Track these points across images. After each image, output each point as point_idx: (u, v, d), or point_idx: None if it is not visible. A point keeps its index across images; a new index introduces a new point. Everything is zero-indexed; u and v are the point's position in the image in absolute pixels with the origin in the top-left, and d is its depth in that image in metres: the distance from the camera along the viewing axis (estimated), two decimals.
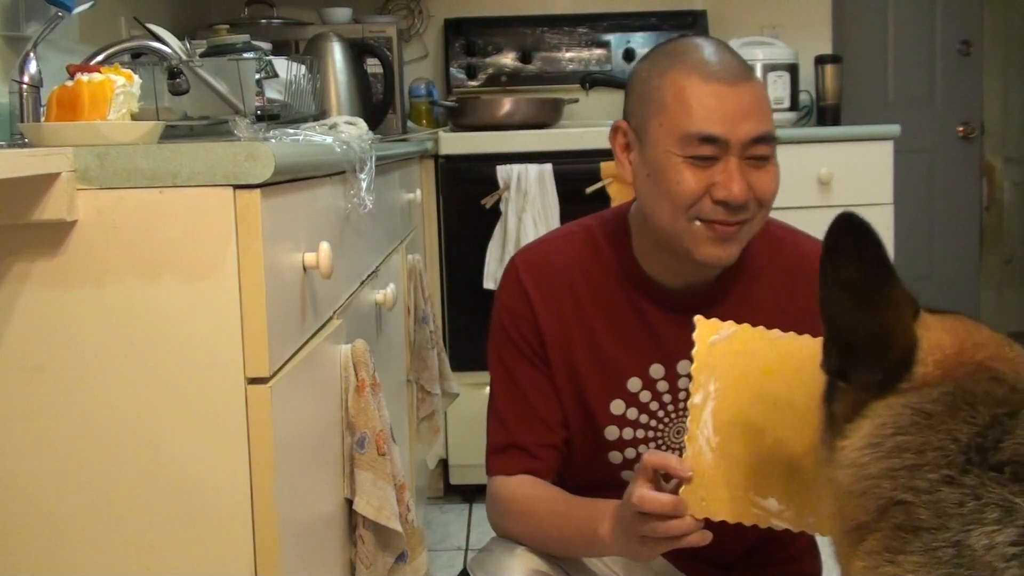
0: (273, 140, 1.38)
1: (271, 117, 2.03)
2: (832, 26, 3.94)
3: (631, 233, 1.48)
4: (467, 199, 3.06)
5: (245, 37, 2.14)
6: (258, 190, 1.08)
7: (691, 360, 1.29)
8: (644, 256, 1.46)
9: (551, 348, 1.48)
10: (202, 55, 1.94)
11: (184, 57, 1.80)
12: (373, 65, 3.06)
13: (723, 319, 1.29)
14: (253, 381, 1.10)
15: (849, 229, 0.89)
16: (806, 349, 1.21)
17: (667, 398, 1.48)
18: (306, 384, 1.30)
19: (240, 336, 1.09)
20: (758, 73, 3.43)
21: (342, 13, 3.33)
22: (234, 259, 1.08)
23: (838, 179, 3.18)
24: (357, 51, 3.00)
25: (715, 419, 1.23)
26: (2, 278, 1.08)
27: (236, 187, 1.08)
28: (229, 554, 1.10)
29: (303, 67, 2.26)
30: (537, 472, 1.48)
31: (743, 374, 1.25)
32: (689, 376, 1.32)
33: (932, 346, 0.91)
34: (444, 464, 3.18)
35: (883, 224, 3.23)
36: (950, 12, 4.93)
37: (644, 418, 1.48)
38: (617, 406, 1.47)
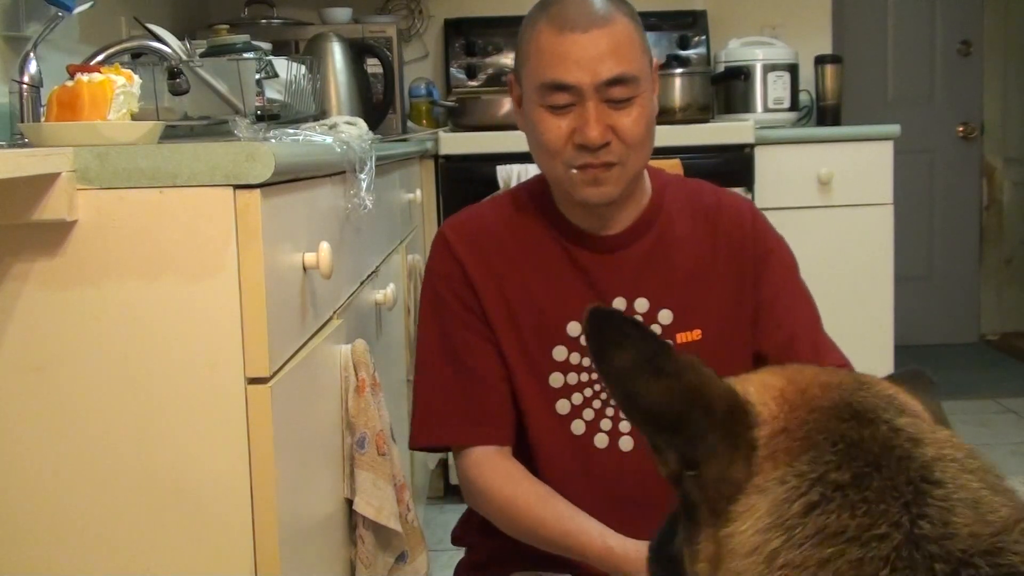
0: (273, 140, 1.38)
1: (271, 117, 2.03)
2: (832, 26, 3.94)
3: (551, 188, 1.52)
4: (467, 199, 3.02)
5: (245, 37, 2.15)
6: (258, 190, 1.08)
7: (624, 297, 1.47)
8: (564, 205, 1.51)
9: (489, 305, 1.49)
10: (202, 55, 1.94)
11: (184, 57, 1.80)
12: (373, 65, 3.06)
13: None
14: (253, 381, 1.10)
15: (604, 322, 0.79)
16: None
17: None
18: (306, 384, 1.30)
19: (240, 336, 1.09)
20: (757, 74, 3.43)
21: (342, 13, 3.33)
22: (234, 259, 1.08)
23: (838, 179, 3.17)
24: (357, 51, 2.99)
25: None
26: (2, 278, 1.08)
27: (236, 187, 1.08)
28: (229, 554, 1.10)
29: (303, 67, 2.25)
30: (499, 440, 1.47)
31: None
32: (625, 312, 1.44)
33: (760, 386, 0.79)
34: (444, 464, 3.18)
35: (883, 224, 3.23)
36: (950, 12, 4.93)
37: (586, 361, 1.49)
38: (560, 352, 1.49)
